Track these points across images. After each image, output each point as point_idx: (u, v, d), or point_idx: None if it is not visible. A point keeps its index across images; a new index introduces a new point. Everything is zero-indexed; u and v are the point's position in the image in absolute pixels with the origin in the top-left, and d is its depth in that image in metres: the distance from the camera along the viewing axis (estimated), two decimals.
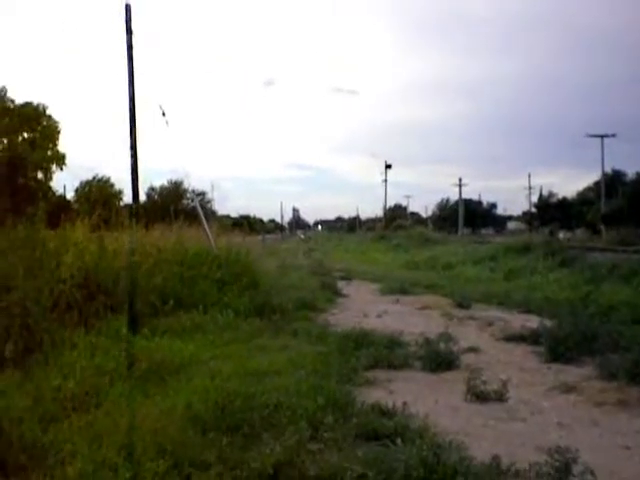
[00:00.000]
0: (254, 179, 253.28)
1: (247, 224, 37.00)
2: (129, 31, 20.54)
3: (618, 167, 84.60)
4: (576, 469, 5.65)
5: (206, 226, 23.07)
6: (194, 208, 29.06)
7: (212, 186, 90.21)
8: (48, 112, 65.45)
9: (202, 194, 76.03)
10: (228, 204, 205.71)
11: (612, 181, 79.07)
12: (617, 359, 11.10)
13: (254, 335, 13.57)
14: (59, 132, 65.63)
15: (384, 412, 8.48)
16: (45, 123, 64.95)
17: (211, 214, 58.44)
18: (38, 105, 64.91)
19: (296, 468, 6.35)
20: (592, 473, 5.63)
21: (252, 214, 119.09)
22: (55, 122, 65.54)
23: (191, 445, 6.77)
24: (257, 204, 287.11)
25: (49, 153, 64.82)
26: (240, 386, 8.84)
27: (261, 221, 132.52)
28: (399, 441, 6.98)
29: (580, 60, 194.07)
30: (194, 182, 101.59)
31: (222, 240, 22.20)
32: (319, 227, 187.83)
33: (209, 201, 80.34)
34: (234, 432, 7.37)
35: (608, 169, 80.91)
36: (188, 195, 73.00)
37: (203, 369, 10.09)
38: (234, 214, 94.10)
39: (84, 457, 6.26)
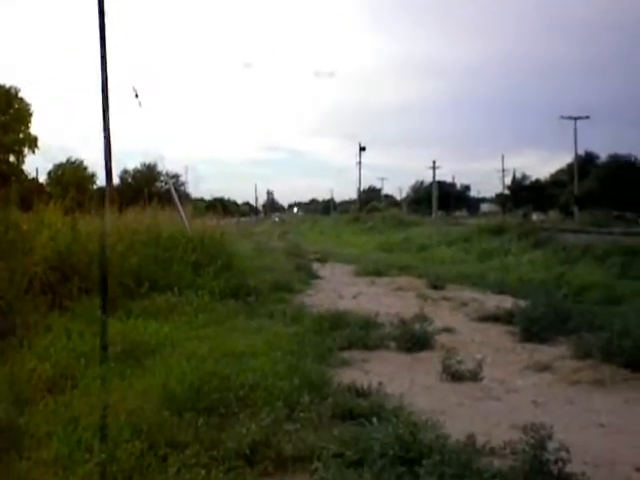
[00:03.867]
0: (229, 162, 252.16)
1: (221, 207, 36.72)
2: (102, 12, 20.41)
3: (591, 149, 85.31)
4: (551, 446, 5.69)
5: (180, 209, 23.00)
6: (168, 191, 28.97)
7: (186, 169, 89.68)
8: (20, 95, 64.95)
9: (176, 177, 75.51)
10: (202, 187, 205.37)
11: (585, 163, 79.67)
12: (591, 338, 11.18)
13: (229, 317, 13.50)
14: (31, 115, 65.15)
15: (360, 392, 8.50)
16: (17, 106, 64.38)
17: (185, 197, 58.23)
18: (9, 88, 64.34)
19: (272, 448, 6.37)
20: (567, 450, 5.67)
21: (226, 197, 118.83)
22: (27, 104, 65.04)
23: (167, 426, 6.75)
24: (232, 187, 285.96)
25: (21, 136, 64.29)
26: (216, 367, 8.79)
27: (235, 204, 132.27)
28: (375, 420, 6.99)
29: (555, 42, 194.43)
30: (168, 164, 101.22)
31: (196, 223, 22.12)
32: (295, 209, 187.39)
33: (183, 184, 79.94)
34: (210, 412, 7.35)
35: (581, 151, 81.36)
36: (162, 178, 72.73)
37: (179, 350, 10.03)
38: (208, 197, 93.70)
39: (60, 439, 6.26)
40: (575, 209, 68.71)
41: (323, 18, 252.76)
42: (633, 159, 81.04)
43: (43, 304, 11.96)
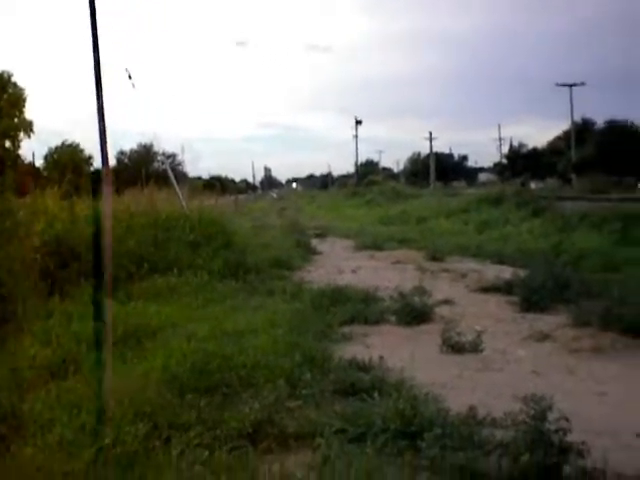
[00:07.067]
0: (225, 139, 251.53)
1: (219, 185, 36.73)
2: None
3: (588, 116, 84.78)
4: (551, 416, 5.71)
5: (177, 188, 23.01)
6: (165, 171, 28.92)
7: (182, 148, 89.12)
8: (13, 79, 64.62)
9: (172, 156, 75.10)
10: (199, 165, 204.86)
11: (582, 130, 79.16)
12: (590, 306, 11.20)
13: (229, 296, 13.50)
14: (25, 99, 64.82)
15: (361, 367, 8.54)
16: (10, 90, 64.05)
17: (182, 176, 58.09)
18: (2, 73, 63.99)
19: (275, 425, 6.40)
20: (567, 419, 5.69)
21: (224, 175, 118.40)
22: (21, 89, 64.69)
23: (170, 407, 6.78)
24: (229, 164, 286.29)
25: (16, 121, 64.00)
26: (217, 347, 8.82)
27: (233, 181, 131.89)
28: (376, 395, 7.03)
29: (548, 8, 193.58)
30: (164, 144, 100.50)
31: (194, 202, 22.12)
32: (293, 185, 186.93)
33: (180, 163, 79.50)
34: (212, 393, 7.38)
35: (578, 118, 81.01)
36: (158, 158, 72.46)
37: (179, 331, 10.05)
38: (205, 175, 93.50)
39: (63, 424, 6.27)
40: (573, 176, 68.59)
41: None
42: (630, 124, 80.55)
43: (43, 290, 11.97)
